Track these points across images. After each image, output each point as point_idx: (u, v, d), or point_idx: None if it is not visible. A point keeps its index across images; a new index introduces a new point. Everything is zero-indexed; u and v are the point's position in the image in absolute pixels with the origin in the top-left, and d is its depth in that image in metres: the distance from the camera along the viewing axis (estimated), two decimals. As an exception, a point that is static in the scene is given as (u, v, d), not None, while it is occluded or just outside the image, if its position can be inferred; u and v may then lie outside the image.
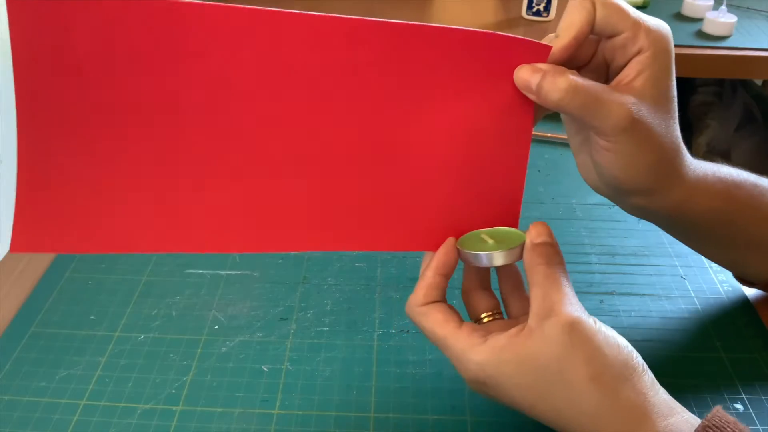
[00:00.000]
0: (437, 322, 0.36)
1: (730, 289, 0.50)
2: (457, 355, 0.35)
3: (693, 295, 0.50)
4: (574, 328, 0.32)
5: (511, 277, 0.39)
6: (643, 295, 0.50)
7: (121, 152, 0.34)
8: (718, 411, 0.31)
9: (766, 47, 0.94)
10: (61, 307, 0.49)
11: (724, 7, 0.97)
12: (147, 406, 0.41)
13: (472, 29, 0.34)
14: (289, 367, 0.44)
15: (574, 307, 0.33)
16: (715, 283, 0.51)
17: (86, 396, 0.42)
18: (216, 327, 0.47)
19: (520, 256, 0.36)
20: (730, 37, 0.96)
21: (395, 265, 0.53)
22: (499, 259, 0.35)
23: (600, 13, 0.34)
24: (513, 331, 0.34)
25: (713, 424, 0.30)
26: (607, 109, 0.34)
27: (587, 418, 0.32)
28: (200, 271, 0.52)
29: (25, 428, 0.40)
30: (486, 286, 0.39)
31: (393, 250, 0.39)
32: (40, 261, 0.53)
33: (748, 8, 1.06)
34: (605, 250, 0.54)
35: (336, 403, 0.42)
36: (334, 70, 0.34)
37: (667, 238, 0.55)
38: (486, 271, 0.39)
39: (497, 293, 0.39)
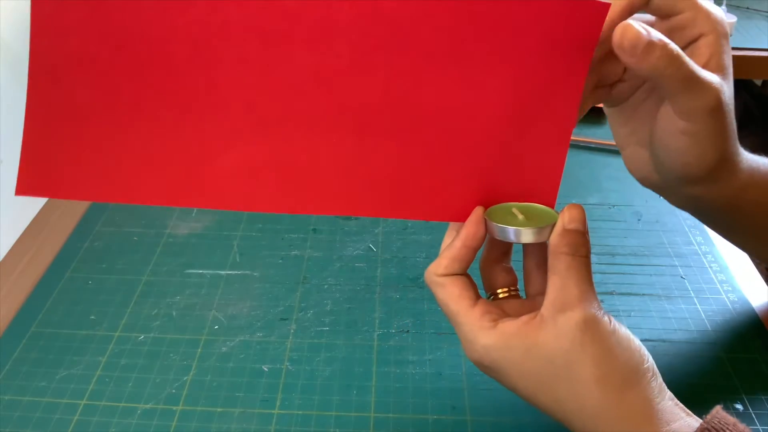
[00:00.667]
0: (452, 296, 0.35)
1: (730, 289, 0.50)
2: (465, 334, 0.34)
3: (693, 295, 0.50)
4: (588, 326, 0.32)
5: (538, 254, 0.38)
6: (643, 295, 0.50)
7: (141, 96, 0.33)
8: (717, 412, 0.31)
9: (766, 47, 0.94)
10: (61, 307, 0.49)
11: (724, 7, 0.97)
12: (147, 406, 0.41)
13: None
14: (289, 367, 0.44)
15: (591, 304, 0.33)
16: (715, 282, 0.51)
17: (86, 396, 0.42)
18: (216, 327, 0.47)
19: (549, 237, 0.34)
20: (730, 37, 0.96)
21: (395, 265, 0.53)
22: (527, 236, 0.34)
23: None
24: (525, 318, 0.33)
25: (713, 426, 0.30)
26: (700, 86, 0.32)
27: (588, 415, 0.32)
28: (200, 271, 0.52)
29: (25, 428, 0.40)
30: (507, 261, 0.39)
31: (425, 220, 0.37)
32: (40, 261, 0.53)
33: (748, 8, 1.06)
34: (605, 250, 0.54)
35: (336, 403, 0.42)
36: (378, 24, 0.31)
37: (667, 238, 0.55)
38: (509, 245, 0.38)
39: (515, 267, 0.39)
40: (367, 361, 0.44)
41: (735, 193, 0.38)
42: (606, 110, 0.39)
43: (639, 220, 0.58)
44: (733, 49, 0.94)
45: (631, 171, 0.40)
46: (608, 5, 0.32)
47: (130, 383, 0.43)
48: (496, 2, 0.31)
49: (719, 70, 0.34)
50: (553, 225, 0.34)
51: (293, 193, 0.35)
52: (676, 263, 0.53)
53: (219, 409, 0.41)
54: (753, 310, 0.48)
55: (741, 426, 0.30)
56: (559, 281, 0.33)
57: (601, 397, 0.31)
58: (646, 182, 0.39)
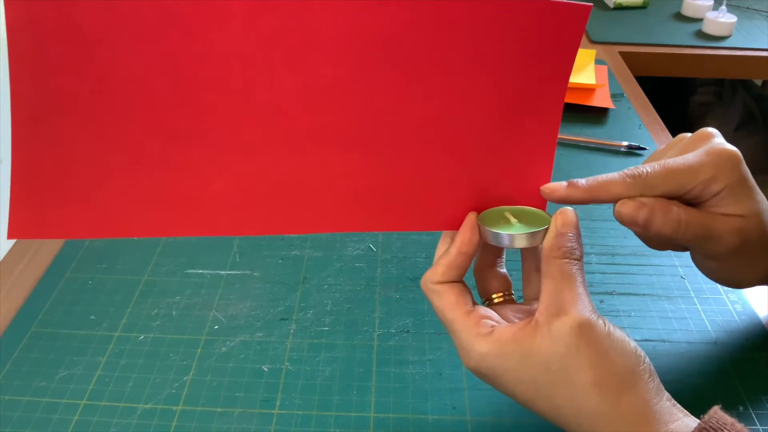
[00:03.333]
0: (448, 304, 0.35)
1: (730, 288, 0.50)
2: (461, 341, 0.34)
3: (693, 295, 0.50)
4: (583, 330, 0.32)
5: (535, 257, 0.37)
6: (643, 295, 0.50)
7: (126, 129, 0.32)
8: (716, 412, 0.31)
9: (766, 47, 0.94)
10: (61, 307, 0.49)
11: (724, 7, 0.97)
12: (147, 406, 0.41)
13: None
14: (289, 367, 0.44)
15: (585, 308, 0.32)
16: (715, 282, 0.51)
17: (86, 396, 0.42)
18: (216, 327, 0.47)
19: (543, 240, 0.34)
20: (730, 37, 0.96)
21: (395, 265, 0.53)
22: (521, 241, 0.34)
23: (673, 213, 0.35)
24: (520, 324, 0.33)
25: (710, 426, 0.30)
26: (718, 237, 0.35)
27: (586, 419, 0.32)
28: (200, 271, 0.52)
29: (25, 428, 0.40)
30: (500, 265, 0.39)
31: (419, 230, 0.37)
32: (40, 261, 0.53)
33: (748, 8, 1.06)
34: (605, 250, 0.54)
35: (336, 403, 0.42)
36: (359, 40, 0.32)
37: (667, 238, 0.55)
38: (502, 250, 0.38)
39: (511, 270, 0.39)
40: (367, 361, 0.44)
41: None
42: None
43: (639, 220, 0.58)
44: (733, 49, 0.95)
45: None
46: (589, 6, 0.33)
47: (130, 383, 0.43)
48: (474, 10, 0.32)
49: (740, 209, 0.36)
50: (546, 229, 0.34)
51: (285, 215, 0.35)
52: (676, 263, 0.53)
53: (219, 409, 0.41)
54: (753, 310, 0.48)
55: (739, 426, 0.30)
56: (553, 286, 0.33)
57: (599, 400, 0.31)
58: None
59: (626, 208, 0.35)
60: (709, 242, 0.36)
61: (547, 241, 0.34)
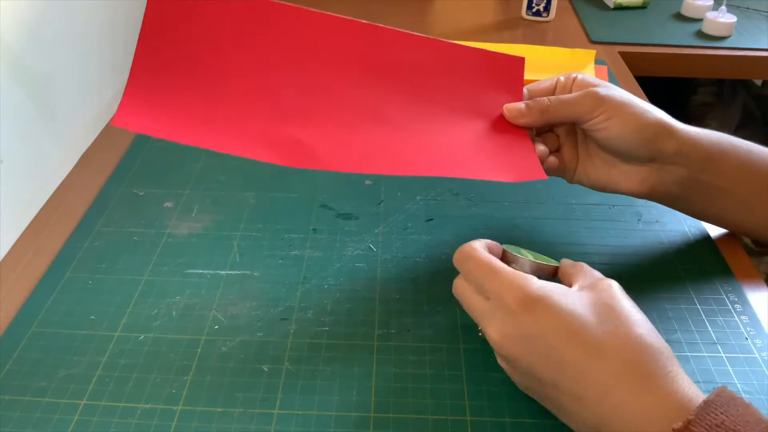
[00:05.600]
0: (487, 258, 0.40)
1: (730, 288, 0.50)
2: (513, 277, 0.38)
3: (693, 295, 0.50)
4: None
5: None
6: (644, 295, 0.50)
7: (223, 80, 0.45)
8: (723, 390, 0.32)
9: (766, 47, 0.93)
10: (61, 307, 0.49)
11: (723, 8, 0.97)
12: (147, 406, 0.41)
13: (460, 45, 0.50)
14: (289, 367, 0.44)
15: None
16: (716, 283, 0.51)
17: (86, 396, 0.42)
18: (216, 327, 0.47)
19: (552, 274, 0.43)
20: (730, 38, 0.96)
21: (395, 265, 0.53)
22: (533, 268, 0.42)
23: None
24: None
25: (719, 398, 0.32)
26: (574, 102, 0.47)
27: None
28: (200, 271, 0.52)
29: (25, 428, 0.40)
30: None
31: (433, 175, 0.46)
32: (40, 261, 0.53)
33: (747, 8, 1.06)
34: (605, 250, 0.54)
35: (336, 403, 0.42)
36: (376, 58, 0.48)
37: (667, 238, 0.55)
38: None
39: None
40: (367, 361, 0.44)
41: (675, 153, 0.47)
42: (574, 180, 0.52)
43: (639, 220, 0.58)
44: (733, 49, 0.95)
45: (595, 186, 0.52)
46: (522, 59, 0.51)
47: (130, 383, 0.43)
48: (450, 53, 0.50)
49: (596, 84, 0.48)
50: (553, 267, 0.43)
51: (334, 156, 0.45)
52: (677, 263, 0.53)
53: (219, 409, 0.41)
54: (753, 310, 0.48)
55: (745, 401, 0.32)
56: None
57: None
58: (606, 186, 0.51)
59: (507, 110, 0.50)
60: (573, 109, 0.47)
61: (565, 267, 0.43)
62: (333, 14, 0.47)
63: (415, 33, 0.48)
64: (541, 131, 0.52)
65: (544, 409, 0.39)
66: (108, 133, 0.71)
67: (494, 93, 0.50)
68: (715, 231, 0.56)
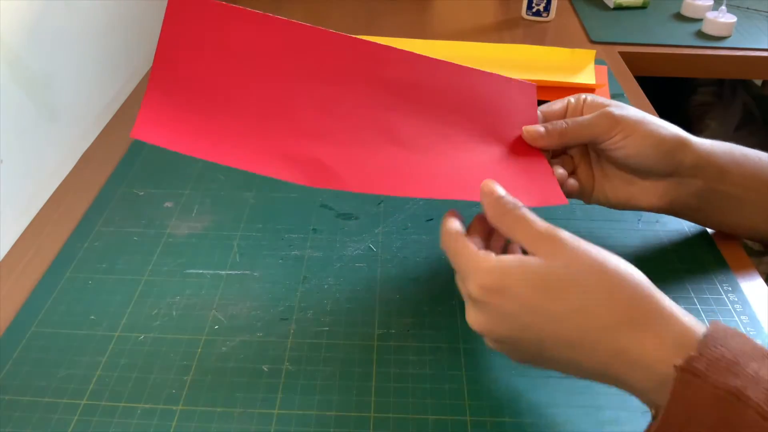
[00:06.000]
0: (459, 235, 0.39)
1: (730, 289, 0.50)
2: (476, 259, 0.37)
3: (693, 295, 0.50)
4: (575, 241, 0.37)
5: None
6: (643, 295, 0.50)
7: (241, 96, 0.45)
8: (716, 324, 0.33)
9: (766, 47, 0.93)
10: (61, 307, 0.49)
11: (723, 8, 0.97)
12: (147, 406, 0.41)
13: (475, 69, 0.50)
14: (289, 367, 0.44)
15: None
16: (715, 282, 0.51)
17: (86, 396, 0.42)
18: (216, 327, 0.47)
19: None
20: (730, 38, 0.96)
21: (395, 265, 0.53)
22: None
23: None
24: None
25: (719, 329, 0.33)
26: (591, 124, 0.47)
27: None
28: (200, 271, 0.52)
29: (25, 428, 0.40)
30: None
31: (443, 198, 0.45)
32: (40, 261, 0.53)
33: (748, 8, 1.06)
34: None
35: (336, 403, 0.42)
36: (402, 85, 0.48)
37: (667, 238, 0.55)
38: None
39: None
40: (367, 361, 0.44)
41: (693, 168, 0.47)
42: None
43: (639, 220, 0.58)
44: (733, 49, 0.95)
45: (610, 204, 0.51)
46: (534, 86, 0.51)
47: (130, 383, 0.43)
48: (466, 77, 0.49)
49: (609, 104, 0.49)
50: None
51: (356, 176, 0.44)
52: (677, 263, 0.53)
53: (219, 409, 0.41)
54: (753, 310, 0.48)
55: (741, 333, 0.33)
56: (525, 225, 0.38)
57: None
58: (625, 204, 0.51)
59: (527, 132, 0.49)
60: (591, 132, 0.47)
61: (490, 210, 0.39)
62: (353, 36, 0.47)
63: (431, 57, 0.48)
64: (557, 153, 0.51)
65: (544, 410, 0.39)
66: (108, 133, 0.71)
67: (509, 117, 0.50)
68: (715, 231, 0.56)
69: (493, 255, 0.37)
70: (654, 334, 0.33)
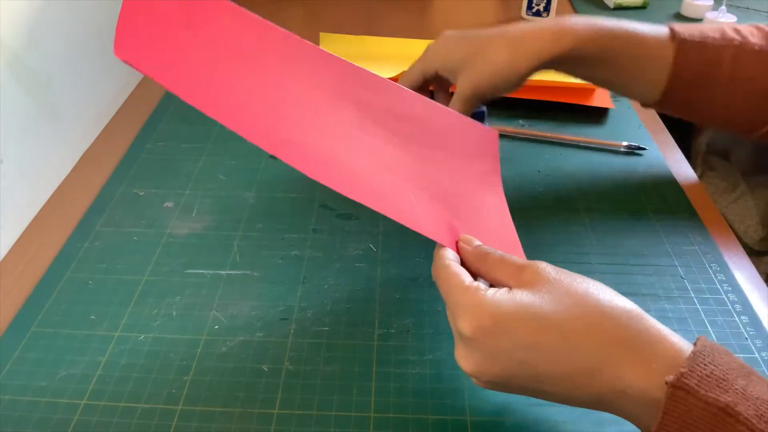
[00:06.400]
0: (456, 274, 0.38)
1: (730, 289, 0.50)
2: (467, 298, 0.36)
3: (693, 295, 0.50)
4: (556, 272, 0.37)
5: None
6: (643, 295, 0.50)
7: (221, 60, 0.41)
8: (704, 340, 0.33)
9: (766, 47, 0.93)
10: (61, 307, 0.49)
11: (723, 7, 0.97)
12: (147, 406, 0.41)
13: (450, 111, 0.52)
14: (289, 367, 0.44)
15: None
16: (715, 282, 0.51)
17: (86, 396, 0.42)
18: (216, 327, 0.47)
19: None
20: (730, 38, 0.96)
21: (395, 265, 0.53)
22: None
23: None
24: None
25: (706, 346, 0.33)
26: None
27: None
28: (200, 271, 0.52)
29: (25, 428, 0.40)
30: None
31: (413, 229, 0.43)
32: (40, 261, 0.53)
33: (748, 8, 1.06)
34: (605, 250, 0.54)
35: (336, 403, 0.42)
36: (398, 114, 0.48)
37: (667, 238, 0.55)
38: None
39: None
40: (367, 361, 0.44)
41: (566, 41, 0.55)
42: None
43: (638, 219, 0.58)
44: (733, 49, 0.94)
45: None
46: (497, 134, 0.55)
47: (130, 383, 0.43)
48: (441, 119, 0.51)
49: None
50: None
51: (337, 174, 0.42)
52: (676, 263, 0.53)
53: (219, 409, 0.41)
54: (753, 310, 0.48)
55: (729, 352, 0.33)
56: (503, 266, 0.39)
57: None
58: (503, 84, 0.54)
59: None
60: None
61: (470, 257, 0.40)
62: (341, 58, 0.47)
63: (402, 87, 0.50)
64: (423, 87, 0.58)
65: (544, 409, 0.39)
66: (108, 133, 0.71)
67: (472, 160, 0.51)
68: (715, 231, 0.56)
69: (482, 289, 0.36)
70: (644, 360, 0.33)
